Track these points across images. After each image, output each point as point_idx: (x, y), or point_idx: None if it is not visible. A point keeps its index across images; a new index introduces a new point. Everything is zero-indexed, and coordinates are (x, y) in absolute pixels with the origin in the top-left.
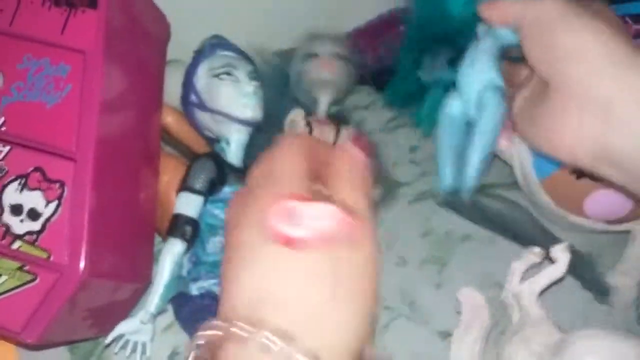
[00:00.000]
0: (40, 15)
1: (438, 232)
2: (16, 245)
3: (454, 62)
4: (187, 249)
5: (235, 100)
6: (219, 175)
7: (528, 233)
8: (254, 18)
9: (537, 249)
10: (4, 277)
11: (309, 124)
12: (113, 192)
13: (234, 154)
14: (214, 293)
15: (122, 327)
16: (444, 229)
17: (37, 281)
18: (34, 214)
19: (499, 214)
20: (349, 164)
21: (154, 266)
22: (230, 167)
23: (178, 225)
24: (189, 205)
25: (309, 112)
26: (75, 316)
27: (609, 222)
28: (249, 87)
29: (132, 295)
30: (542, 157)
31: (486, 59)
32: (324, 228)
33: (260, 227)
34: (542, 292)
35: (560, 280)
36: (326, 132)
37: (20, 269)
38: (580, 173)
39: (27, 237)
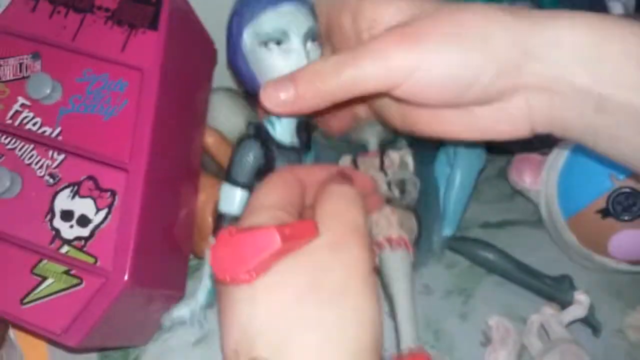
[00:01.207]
0: (102, 33)
1: (463, 264)
2: (64, 249)
3: None
4: None
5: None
6: (266, 160)
7: (518, 277)
8: None
9: (554, 304)
10: (50, 280)
11: (354, 162)
12: (160, 204)
13: (284, 131)
14: None
15: (176, 312)
16: (468, 262)
17: (82, 285)
18: (83, 221)
19: (486, 260)
20: (330, 190)
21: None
22: (279, 145)
23: (222, 225)
24: (233, 201)
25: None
26: (114, 323)
27: (633, 262)
28: (303, 58)
29: (164, 307)
30: (568, 195)
31: None
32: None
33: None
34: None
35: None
36: (367, 163)
37: (66, 272)
38: (605, 212)
39: (75, 243)
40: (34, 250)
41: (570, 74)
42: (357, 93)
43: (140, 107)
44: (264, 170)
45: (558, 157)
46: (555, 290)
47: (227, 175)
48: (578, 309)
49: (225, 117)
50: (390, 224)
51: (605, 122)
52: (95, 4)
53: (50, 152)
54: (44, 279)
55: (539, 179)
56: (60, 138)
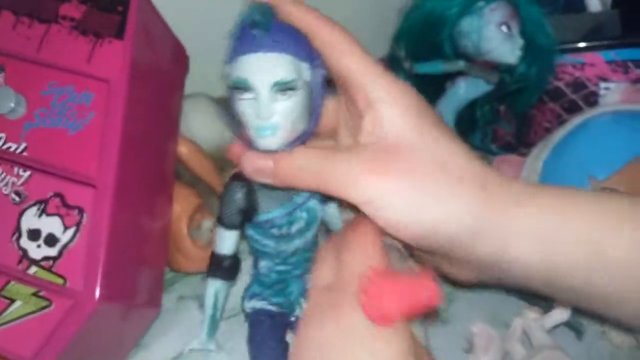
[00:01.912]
0: (67, 44)
1: None
2: (32, 270)
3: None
4: (231, 282)
5: (253, 124)
6: (249, 202)
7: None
8: None
9: (536, 308)
10: (18, 302)
11: None
12: (130, 219)
13: None
14: (263, 310)
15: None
16: None
17: (52, 307)
18: (51, 240)
19: None
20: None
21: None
22: (266, 185)
23: (214, 265)
24: (223, 242)
25: None
26: (87, 344)
27: None
28: (269, 110)
29: (141, 322)
30: None
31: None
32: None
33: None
34: None
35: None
36: None
37: (35, 294)
38: None
39: (43, 263)
40: (1, 271)
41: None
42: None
43: (107, 120)
44: (249, 211)
45: (537, 158)
46: (536, 294)
47: (218, 218)
48: (560, 312)
49: (200, 123)
50: None
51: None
52: (60, 14)
53: (16, 169)
54: (12, 301)
55: (519, 179)
56: (25, 154)
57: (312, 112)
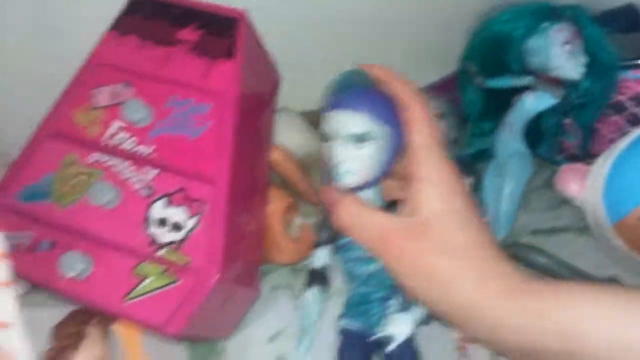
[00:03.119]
0: (186, 63)
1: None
2: (161, 252)
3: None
4: (324, 293)
5: (334, 167)
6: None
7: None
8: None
9: None
10: (150, 279)
11: None
12: (240, 212)
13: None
14: (347, 330)
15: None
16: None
17: (178, 282)
18: (177, 227)
19: (538, 264)
20: None
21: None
22: None
23: (309, 278)
24: (315, 257)
25: None
26: (205, 316)
27: None
28: (345, 157)
29: (245, 303)
30: (614, 202)
31: (511, 130)
32: None
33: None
34: None
35: None
36: None
37: (164, 272)
38: None
39: (171, 246)
40: (134, 253)
41: None
42: None
43: (221, 128)
44: (335, 234)
45: (603, 165)
46: None
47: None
48: None
49: (287, 135)
50: None
51: None
52: (179, 38)
53: (145, 168)
54: (144, 278)
55: (585, 186)
56: (153, 155)
57: (385, 162)
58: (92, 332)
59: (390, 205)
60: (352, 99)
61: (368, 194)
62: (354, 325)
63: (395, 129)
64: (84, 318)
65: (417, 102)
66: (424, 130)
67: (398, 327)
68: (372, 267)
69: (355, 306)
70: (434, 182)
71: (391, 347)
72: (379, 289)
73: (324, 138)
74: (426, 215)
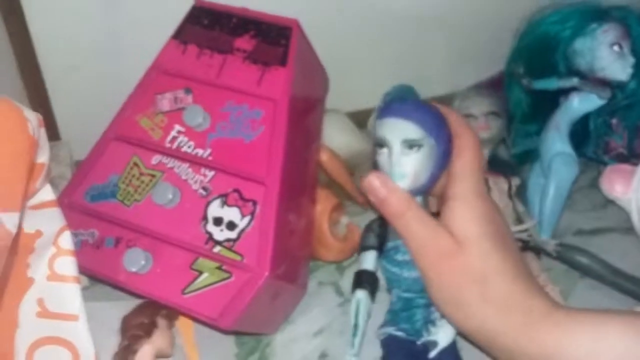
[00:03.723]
0: (241, 71)
1: (558, 269)
2: (217, 249)
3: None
4: (372, 295)
5: (387, 172)
6: (382, 231)
7: (613, 281)
8: (391, 74)
9: None
10: (205, 274)
11: (486, 182)
12: (290, 212)
13: None
14: (391, 336)
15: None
16: (563, 267)
17: (232, 278)
18: (231, 225)
19: (582, 264)
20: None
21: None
22: None
23: (357, 278)
24: (364, 260)
25: None
26: (256, 311)
27: None
28: (396, 162)
29: (293, 300)
30: None
31: (557, 131)
32: None
33: None
34: None
35: None
36: (501, 183)
37: (219, 268)
38: None
39: (225, 243)
40: (191, 250)
41: None
42: None
43: (273, 132)
44: (381, 237)
45: None
46: None
47: (360, 245)
48: None
49: (334, 135)
50: None
51: None
52: (235, 46)
53: (202, 170)
54: (201, 273)
55: (630, 187)
56: (210, 158)
57: (431, 171)
58: (162, 323)
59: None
60: (406, 108)
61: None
62: (399, 331)
63: (440, 143)
64: (154, 310)
65: (468, 132)
66: (470, 158)
67: (442, 332)
68: (417, 272)
69: (400, 312)
70: (469, 203)
71: (434, 352)
72: (423, 295)
73: (378, 143)
74: (460, 234)
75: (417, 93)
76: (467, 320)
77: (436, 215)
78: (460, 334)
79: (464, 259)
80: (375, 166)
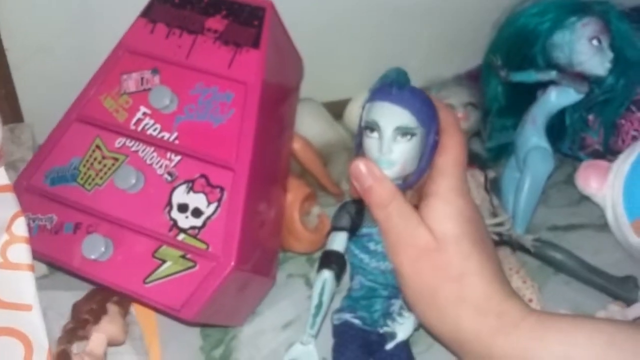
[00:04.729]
0: (212, 52)
1: (531, 264)
2: (181, 237)
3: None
4: (338, 277)
5: (375, 158)
6: (357, 214)
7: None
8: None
9: (619, 302)
10: (169, 263)
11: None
12: (259, 200)
13: None
14: (347, 322)
15: (291, 353)
16: (536, 262)
17: (196, 268)
18: (197, 212)
19: (554, 260)
20: None
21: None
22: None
23: (324, 259)
24: (334, 240)
25: None
26: (221, 302)
27: None
28: (387, 148)
29: (260, 291)
30: (633, 199)
31: (534, 124)
32: None
33: None
34: None
35: None
36: (477, 176)
37: (183, 257)
38: None
39: (190, 231)
40: (154, 237)
41: None
42: None
43: (244, 115)
44: (356, 221)
45: (624, 163)
46: (620, 289)
47: (332, 225)
48: None
49: (308, 124)
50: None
51: None
52: (205, 27)
53: (168, 154)
54: (164, 261)
55: (605, 183)
56: (177, 142)
57: (420, 164)
58: (112, 309)
59: None
60: (405, 94)
61: None
62: (356, 319)
63: (431, 135)
64: (105, 295)
65: (456, 130)
66: (455, 155)
67: (403, 326)
68: (387, 264)
69: (360, 300)
70: (450, 202)
71: (392, 344)
72: (387, 287)
73: (369, 127)
74: (440, 233)
75: (410, 79)
76: (440, 320)
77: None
78: (430, 334)
79: (442, 257)
80: (357, 152)
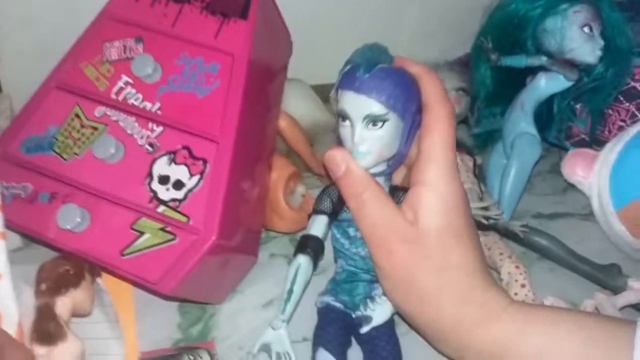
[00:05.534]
0: (198, 21)
1: (516, 251)
2: (161, 209)
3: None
4: (315, 262)
5: (349, 147)
6: (339, 200)
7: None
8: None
9: (607, 291)
10: (147, 235)
11: None
12: (243, 175)
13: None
14: (330, 305)
15: (262, 339)
16: (521, 249)
17: (176, 240)
18: (178, 185)
19: (540, 246)
20: None
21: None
22: None
23: (301, 243)
24: (313, 224)
25: None
26: (200, 278)
27: None
28: (358, 136)
29: (241, 269)
30: (619, 188)
31: (522, 110)
32: None
33: None
34: None
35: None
36: (466, 161)
37: (162, 229)
38: None
39: (171, 203)
40: (133, 209)
41: None
42: None
43: (230, 87)
44: (337, 206)
45: (611, 152)
46: (605, 276)
47: (313, 208)
48: (631, 294)
49: (295, 104)
50: None
51: None
52: None
53: (150, 124)
54: (142, 234)
55: (592, 171)
56: (159, 112)
57: (399, 149)
58: (87, 277)
59: (394, 190)
60: (369, 81)
61: (379, 180)
62: (337, 302)
63: (407, 118)
64: (79, 262)
65: (443, 106)
66: (443, 138)
67: (379, 310)
68: (367, 250)
69: (342, 283)
70: (438, 192)
71: (367, 328)
72: (368, 272)
73: (340, 115)
74: (424, 225)
75: (389, 54)
76: (420, 308)
77: (402, 190)
78: (407, 322)
79: (423, 249)
80: (338, 139)
